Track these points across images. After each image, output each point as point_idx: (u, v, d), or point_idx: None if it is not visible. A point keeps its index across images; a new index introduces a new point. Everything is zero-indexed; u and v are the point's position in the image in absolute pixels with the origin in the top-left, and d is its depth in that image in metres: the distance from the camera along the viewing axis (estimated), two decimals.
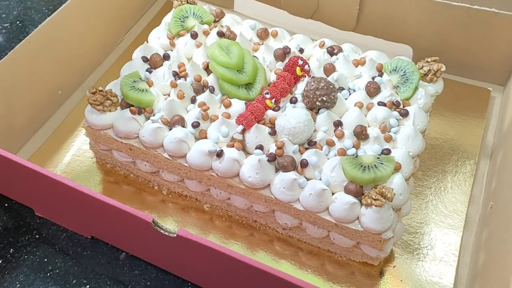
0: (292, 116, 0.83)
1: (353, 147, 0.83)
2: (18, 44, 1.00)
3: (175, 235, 0.73)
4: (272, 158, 0.82)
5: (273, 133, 0.85)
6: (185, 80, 0.92)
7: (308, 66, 0.93)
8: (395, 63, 0.94)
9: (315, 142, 0.84)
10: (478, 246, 0.89)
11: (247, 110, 0.86)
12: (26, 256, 0.91)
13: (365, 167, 0.79)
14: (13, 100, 1.01)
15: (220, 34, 0.99)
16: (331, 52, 0.97)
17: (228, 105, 0.88)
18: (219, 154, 0.83)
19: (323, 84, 0.86)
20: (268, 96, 0.88)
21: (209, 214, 0.95)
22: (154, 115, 0.89)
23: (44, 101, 1.08)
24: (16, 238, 0.93)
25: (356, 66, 0.95)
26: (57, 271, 0.89)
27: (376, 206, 0.77)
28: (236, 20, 1.06)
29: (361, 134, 0.85)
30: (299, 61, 0.92)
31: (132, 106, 0.90)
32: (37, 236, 0.93)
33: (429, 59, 0.94)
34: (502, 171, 0.93)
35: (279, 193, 0.82)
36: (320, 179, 0.82)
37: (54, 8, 1.29)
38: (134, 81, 0.92)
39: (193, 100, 0.91)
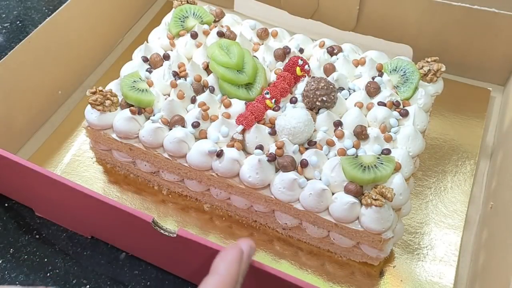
0: (292, 116, 0.83)
1: (353, 147, 0.83)
2: (18, 44, 1.00)
3: (175, 235, 0.73)
4: (272, 158, 0.82)
5: (273, 133, 0.85)
6: (185, 80, 0.92)
7: (308, 66, 0.93)
8: (395, 63, 0.94)
9: (315, 142, 0.84)
10: (478, 246, 0.89)
11: (247, 110, 0.86)
12: (26, 256, 0.91)
13: (365, 167, 0.79)
14: (13, 100, 1.01)
15: (220, 34, 0.99)
16: (331, 52, 0.97)
17: (228, 105, 0.88)
18: (219, 154, 0.83)
19: (323, 84, 0.86)
20: (268, 96, 0.88)
21: (209, 214, 0.95)
22: (154, 115, 0.89)
23: (44, 101, 1.08)
24: (16, 238, 0.93)
25: (356, 66, 0.95)
26: (57, 271, 0.89)
27: (376, 206, 0.77)
28: (236, 20, 1.06)
29: (361, 134, 0.85)
30: (299, 61, 0.92)
31: (132, 106, 0.90)
32: (37, 236, 0.93)
33: (429, 59, 0.94)
34: (502, 171, 0.93)
35: (279, 193, 0.82)
36: (320, 179, 0.82)
37: (54, 8, 1.29)
38: (134, 81, 0.92)
39: (193, 100, 0.91)
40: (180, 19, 1.02)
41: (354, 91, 0.91)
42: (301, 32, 1.05)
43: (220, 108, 0.90)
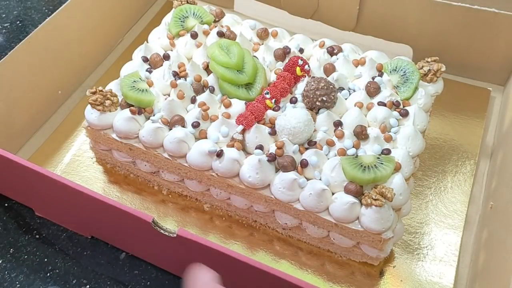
0: (292, 116, 0.83)
1: (353, 147, 0.83)
2: (18, 44, 1.00)
3: (175, 235, 0.73)
4: (272, 158, 0.82)
5: (273, 133, 0.85)
6: (185, 80, 0.92)
7: (308, 66, 0.93)
8: (395, 63, 0.94)
9: (315, 142, 0.84)
10: (478, 246, 0.89)
11: (247, 110, 0.86)
12: (26, 256, 0.91)
13: (365, 167, 0.79)
14: (13, 100, 1.01)
15: (220, 34, 0.99)
16: (331, 52, 0.97)
17: (228, 105, 0.88)
18: (219, 154, 0.83)
19: (323, 84, 0.86)
20: (268, 96, 0.88)
21: (209, 214, 0.95)
22: (154, 115, 0.89)
23: (44, 101, 1.08)
24: (16, 238, 0.93)
25: (356, 66, 0.95)
26: (57, 271, 0.89)
27: (376, 206, 0.77)
28: (236, 20, 1.06)
29: (361, 134, 0.85)
30: (299, 61, 0.92)
31: (132, 106, 0.90)
32: (37, 236, 0.93)
33: (429, 59, 0.94)
34: (502, 171, 0.93)
35: (279, 193, 0.82)
36: (320, 179, 0.82)
37: (54, 8, 1.29)
38: (134, 81, 0.92)
39: (193, 100, 0.91)
40: (180, 19, 1.02)
41: (354, 91, 0.91)
42: (301, 32, 1.05)
43: (220, 108, 0.90)
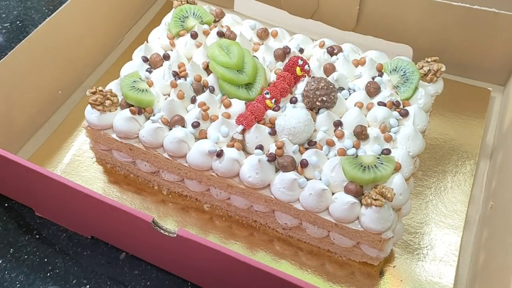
0: (292, 116, 0.83)
1: (353, 147, 0.83)
2: (18, 44, 1.00)
3: (175, 235, 0.73)
4: (272, 158, 0.82)
5: (273, 133, 0.85)
6: (185, 80, 0.92)
7: (308, 66, 0.93)
8: (395, 63, 0.94)
9: (315, 142, 0.84)
10: (478, 246, 0.89)
11: (247, 110, 0.86)
12: (26, 256, 0.91)
13: (365, 167, 0.79)
14: (13, 100, 1.01)
15: (220, 34, 0.99)
16: (331, 52, 0.97)
17: (228, 105, 0.88)
18: (219, 154, 0.83)
19: (323, 84, 0.86)
20: (268, 96, 0.88)
21: (209, 214, 0.95)
22: (154, 115, 0.89)
23: (44, 101, 1.08)
24: (16, 238, 0.93)
25: (356, 66, 0.95)
26: (57, 271, 0.89)
27: (376, 206, 0.77)
28: (236, 20, 1.06)
29: (361, 134, 0.85)
30: (299, 61, 0.92)
31: (132, 106, 0.90)
32: (37, 236, 0.93)
33: (429, 59, 0.94)
34: (502, 171, 0.93)
35: (279, 193, 0.82)
36: (320, 179, 0.82)
37: (54, 8, 1.29)
38: (134, 81, 0.92)
39: (193, 100, 0.91)
40: (180, 19, 1.02)
41: (354, 91, 0.91)
42: (301, 32, 1.05)
43: (220, 108, 0.90)
